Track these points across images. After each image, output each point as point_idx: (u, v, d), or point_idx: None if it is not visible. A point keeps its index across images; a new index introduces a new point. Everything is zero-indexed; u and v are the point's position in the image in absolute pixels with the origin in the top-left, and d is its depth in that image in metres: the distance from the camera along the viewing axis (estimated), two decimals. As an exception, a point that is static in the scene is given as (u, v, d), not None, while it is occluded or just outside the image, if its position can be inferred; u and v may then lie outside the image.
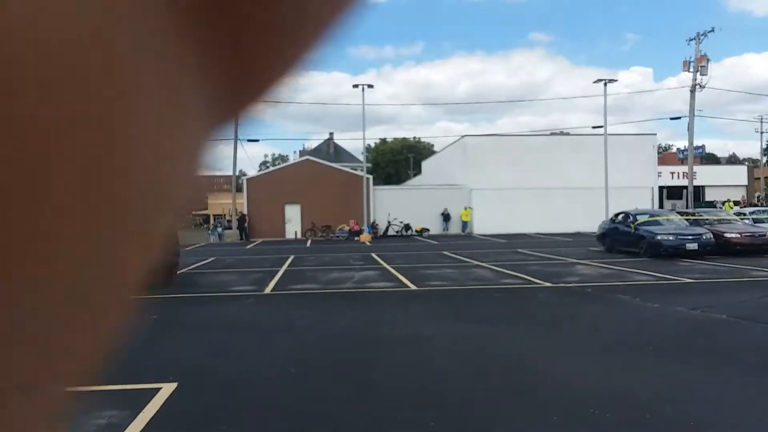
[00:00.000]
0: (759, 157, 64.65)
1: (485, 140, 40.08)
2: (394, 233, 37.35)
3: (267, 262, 17.95)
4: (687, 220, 19.03)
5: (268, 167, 75.09)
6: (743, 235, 17.41)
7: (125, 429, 4.08)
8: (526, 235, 33.54)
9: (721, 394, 4.65)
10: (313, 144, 70.97)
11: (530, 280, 12.20)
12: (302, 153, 59.22)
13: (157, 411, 4.48)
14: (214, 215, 55.37)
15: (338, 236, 36.32)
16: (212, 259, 20.70)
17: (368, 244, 29.42)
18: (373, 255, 19.92)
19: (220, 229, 39.29)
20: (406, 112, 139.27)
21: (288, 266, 16.62)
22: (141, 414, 4.37)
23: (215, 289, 12.12)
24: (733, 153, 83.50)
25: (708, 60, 30.28)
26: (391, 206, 38.55)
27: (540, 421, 4.13)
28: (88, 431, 4.08)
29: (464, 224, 38.17)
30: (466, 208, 38.29)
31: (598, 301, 9.64)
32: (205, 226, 49.15)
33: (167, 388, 5.00)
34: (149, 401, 4.67)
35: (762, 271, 13.04)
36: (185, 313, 9.44)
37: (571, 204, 36.17)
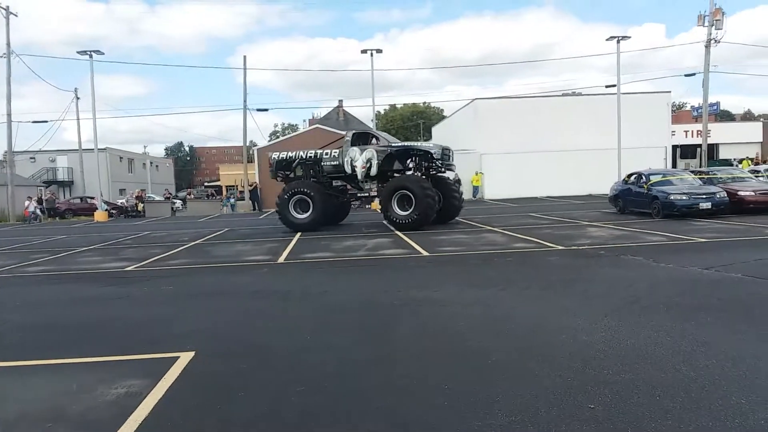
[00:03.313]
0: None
1: (496, 103, 39.58)
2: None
3: (279, 232, 18.06)
4: (701, 179, 18.82)
5: (278, 137, 74.91)
6: (757, 193, 17.20)
7: (145, 397, 4.15)
8: (537, 199, 33.38)
9: (738, 353, 4.63)
10: (322, 112, 70.54)
11: (542, 243, 12.18)
12: (311, 122, 58.89)
13: (176, 379, 4.54)
14: (226, 186, 55.55)
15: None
16: (226, 229, 20.86)
17: (380, 211, 29.41)
18: (384, 222, 19.96)
19: (232, 200, 39.46)
20: (415, 77, 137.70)
21: (301, 235, 16.72)
22: (160, 382, 4.45)
23: (229, 259, 12.24)
24: (748, 109, 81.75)
25: (723, 13, 29.41)
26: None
27: (555, 382, 4.14)
28: (109, 400, 4.16)
29: (475, 189, 38.01)
30: (477, 173, 38.07)
31: (611, 263, 9.58)
32: (218, 197, 49.34)
33: (185, 357, 5.08)
34: (168, 370, 4.74)
35: (777, 229, 12.91)
36: (200, 283, 9.53)
37: (583, 166, 35.82)
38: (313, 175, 18.44)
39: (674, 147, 42.54)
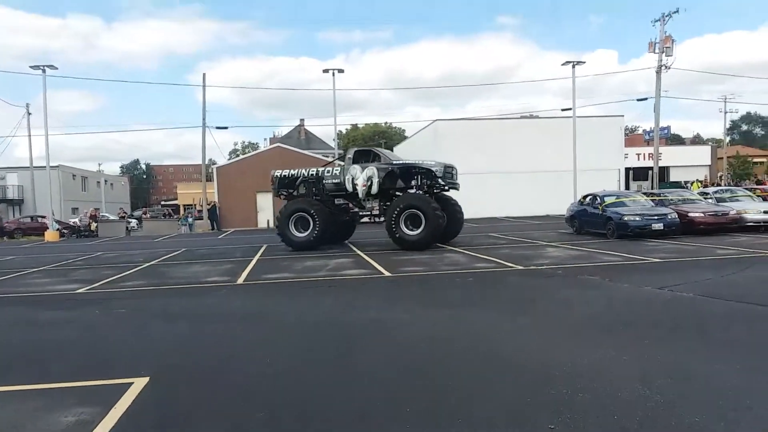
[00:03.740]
0: (722, 137, 66.10)
1: (455, 125, 40.19)
2: (368, 220, 37.24)
3: (239, 252, 17.74)
4: (653, 200, 19.42)
5: (238, 155, 74.07)
6: (707, 214, 17.84)
7: (96, 426, 3.97)
8: (497, 219, 33.85)
9: (692, 371, 4.73)
10: (283, 131, 70.26)
11: (503, 264, 12.31)
12: (273, 140, 58.56)
13: (129, 406, 4.36)
14: (184, 205, 54.51)
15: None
16: (183, 249, 20.40)
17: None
18: (347, 242, 19.87)
19: (190, 219, 38.71)
20: (376, 98, 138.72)
21: (261, 255, 16.47)
22: (113, 410, 4.26)
23: (185, 280, 11.94)
24: (698, 134, 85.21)
25: (673, 41, 30.72)
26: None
27: (515, 402, 4.15)
28: (57, 430, 3.97)
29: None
30: (437, 193, 38.35)
31: (569, 283, 9.72)
32: (176, 216, 48.37)
33: (139, 383, 4.90)
34: (121, 396, 4.56)
35: (725, 250, 13.39)
36: (155, 306, 9.24)
37: (540, 187, 36.59)
38: (316, 193, 18.19)
39: (627, 169, 43.88)
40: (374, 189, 17.40)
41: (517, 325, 6.75)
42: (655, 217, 17.15)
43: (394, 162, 17.88)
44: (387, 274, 11.56)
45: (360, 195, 17.70)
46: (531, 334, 6.19)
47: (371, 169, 17.44)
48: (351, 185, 17.60)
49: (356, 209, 18.69)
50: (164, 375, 5.20)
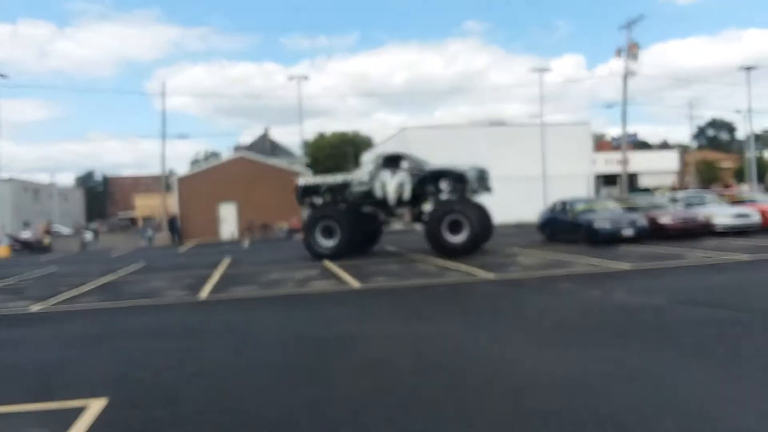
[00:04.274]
0: (688, 142, 67.42)
1: (425, 132, 39.98)
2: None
3: (201, 266, 17.03)
4: (622, 206, 19.40)
5: (201, 165, 72.55)
6: (676, 219, 17.86)
7: None
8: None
9: (664, 377, 4.65)
10: (247, 139, 69.16)
11: (474, 273, 11.95)
12: (237, 149, 57.51)
13: (86, 430, 4.12)
14: (142, 217, 52.92)
15: (278, 235, 35.37)
16: (142, 264, 19.56)
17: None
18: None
19: (150, 232, 37.49)
20: (343, 104, 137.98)
21: (225, 269, 15.82)
22: None
23: (145, 297, 11.26)
24: (665, 140, 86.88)
25: (639, 47, 31.08)
26: (331, 202, 37.81)
27: (491, 413, 4.04)
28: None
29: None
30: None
31: (541, 291, 9.57)
32: (135, 228, 46.93)
33: (96, 405, 4.60)
34: (76, 419, 4.28)
35: (695, 255, 13.30)
36: (112, 324, 8.76)
37: (510, 194, 36.44)
38: (342, 201, 17.64)
39: (597, 176, 44.30)
40: (406, 195, 16.90)
41: (490, 335, 6.57)
42: (626, 223, 17.09)
43: (427, 167, 17.34)
44: (357, 285, 11.11)
45: (391, 202, 17.15)
46: (504, 345, 6.07)
47: (403, 175, 16.95)
48: (381, 192, 17.08)
49: (384, 216, 18.02)
50: (123, 396, 4.92)
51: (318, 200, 18.09)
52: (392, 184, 16.97)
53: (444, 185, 16.87)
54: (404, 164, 17.35)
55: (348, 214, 17.28)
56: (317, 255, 16.97)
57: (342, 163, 71.06)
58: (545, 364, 5.24)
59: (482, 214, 17.31)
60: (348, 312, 8.78)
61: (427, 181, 16.94)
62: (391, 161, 17.51)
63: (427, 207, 17.25)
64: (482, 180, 17.29)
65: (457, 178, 16.72)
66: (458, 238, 15.74)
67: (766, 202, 20.32)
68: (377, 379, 5.13)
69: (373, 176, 17.30)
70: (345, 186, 17.62)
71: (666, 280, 10.11)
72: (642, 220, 17.35)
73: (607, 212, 18.30)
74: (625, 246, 16.11)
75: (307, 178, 18.36)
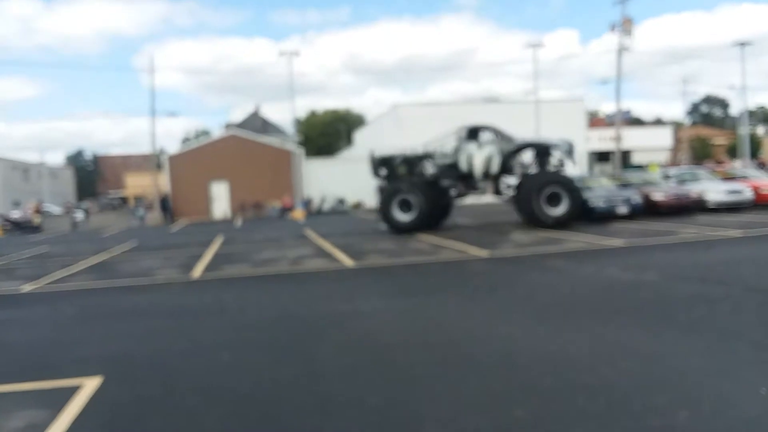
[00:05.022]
0: (682, 119, 67.35)
1: (417, 109, 39.70)
2: (329, 209, 36.58)
3: (194, 245, 16.93)
4: (616, 183, 19.40)
5: (191, 143, 72.00)
6: (669, 196, 17.88)
7: (46, 430, 3.67)
8: (463, 205, 33.56)
9: (656, 353, 4.64)
10: (238, 117, 68.44)
11: (468, 250, 11.93)
12: (228, 127, 57.02)
13: (81, 408, 4.06)
14: (134, 197, 52.47)
15: (270, 214, 35.27)
16: (134, 243, 19.44)
17: (302, 221, 28.61)
18: (308, 231, 19.29)
19: (141, 211, 37.26)
20: (334, 81, 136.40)
21: (218, 248, 15.74)
22: (64, 412, 3.96)
23: (137, 276, 11.19)
24: (658, 117, 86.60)
25: (632, 23, 30.86)
26: (325, 180, 37.71)
27: (482, 390, 4.02)
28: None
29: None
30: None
31: (535, 268, 9.56)
32: (127, 206, 46.62)
33: (90, 384, 4.57)
34: (71, 398, 4.25)
35: (688, 231, 13.33)
36: (105, 303, 8.69)
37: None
38: (419, 174, 17.43)
39: (591, 153, 44.21)
40: (494, 168, 16.65)
41: (482, 312, 6.56)
42: (620, 200, 17.11)
43: (516, 139, 17.03)
44: (350, 264, 11.06)
45: (477, 175, 16.89)
46: (496, 321, 6.04)
47: (491, 147, 16.66)
48: (467, 165, 16.79)
49: (463, 189, 17.64)
50: (118, 374, 4.89)
51: (386, 172, 17.77)
52: (480, 157, 16.66)
53: (529, 157, 16.70)
54: (485, 136, 17.09)
55: (425, 188, 16.98)
56: (395, 228, 16.81)
57: (335, 141, 70.66)
58: (537, 339, 5.24)
59: (577, 187, 17.07)
60: (341, 290, 8.75)
61: (514, 154, 16.76)
62: (474, 133, 17.20)
63: (509, 180, 17.14)
64: (569, 153, 17.08)
65: (545, 151, 16.59)
66: (557, 211, 15.69)
67: (759, 178, 20.40)
68: (368, 353, 5.13)
69: (457, 149, 16.95)
70: (423, 158, 17.37)
71: (658, 256, 10.12)
72: (636, 198, 17.38)
73: (602, 190, 18.29)
74: (618, 223, 16.14)
75: (382, 150, 18.03)
